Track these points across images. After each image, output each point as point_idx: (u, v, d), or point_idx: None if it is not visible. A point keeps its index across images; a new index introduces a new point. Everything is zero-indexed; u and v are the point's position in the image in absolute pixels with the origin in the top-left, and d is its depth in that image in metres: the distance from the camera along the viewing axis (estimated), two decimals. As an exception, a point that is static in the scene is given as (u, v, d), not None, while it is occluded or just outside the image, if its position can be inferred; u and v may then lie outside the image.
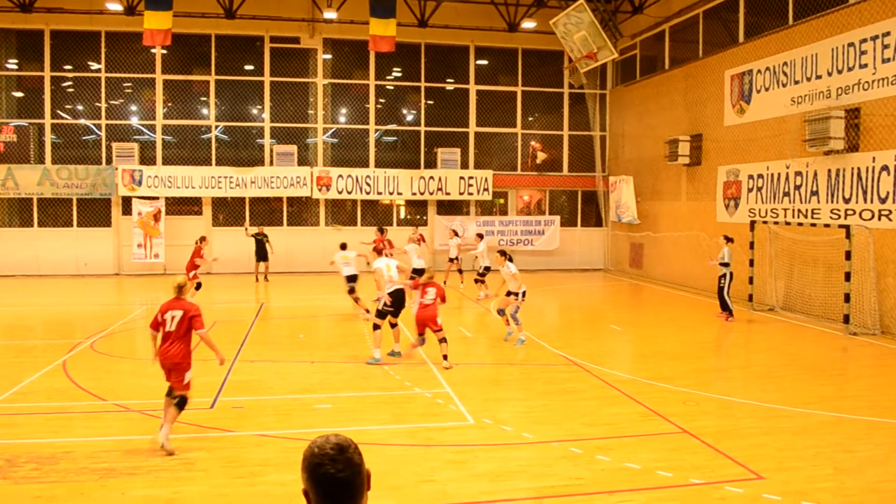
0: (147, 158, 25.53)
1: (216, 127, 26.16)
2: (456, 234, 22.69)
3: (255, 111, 26.83)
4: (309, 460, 2.17)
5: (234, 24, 24.90)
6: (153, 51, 25.14)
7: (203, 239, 17.98)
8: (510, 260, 13.90)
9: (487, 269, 19.98)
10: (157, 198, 25.01)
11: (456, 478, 6.94)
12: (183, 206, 25.97)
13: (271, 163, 26.03)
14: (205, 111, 26.37)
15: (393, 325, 12.41)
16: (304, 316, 17.27)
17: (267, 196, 26.01)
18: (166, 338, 7.89)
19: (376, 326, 12.10)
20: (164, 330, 7.89)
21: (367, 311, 15.69)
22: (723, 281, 16.39)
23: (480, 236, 20.94)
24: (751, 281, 18.07)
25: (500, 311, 14.05)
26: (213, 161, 25.91)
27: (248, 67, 26.44)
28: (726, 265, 16.31)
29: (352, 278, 16.54)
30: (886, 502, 6.36)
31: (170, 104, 26.00)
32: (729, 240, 16.55)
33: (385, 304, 12.15)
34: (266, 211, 26.39)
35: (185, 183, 25.28)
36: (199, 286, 17.14)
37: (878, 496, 6.47)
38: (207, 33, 25.52)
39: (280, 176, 25.76)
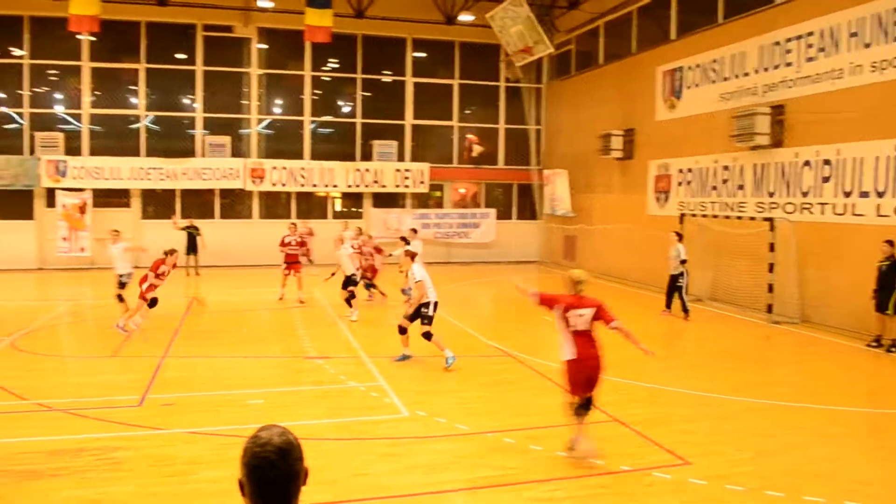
0: (73, 149, 24.66)
1: (146, 117, 25.47)
2: (348, 227, 20.60)
3: (186, 101, 26.20)
4: (249, 458, 2.15)
5: (166, 11, 24.25)
6: (80, 37, 24.29)
7: (171, 253, 14.25)
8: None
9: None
10: (82, 189, 24.22)
11: (391, 471, 6.94)
12: (110, 198, 25.15)
13: (203, 154, 25.48)
14: (134, 100, 25.64)
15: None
16: (237, 310, 16.98)
17: (198, 188, 25.44)
18: (584, 341, 7.09)
19: (404, 330, 11.44)
20: (575, 331, 7.09)
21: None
22: (681, 280, 15.77)
23: (415, 231, 19.35)
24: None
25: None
26: (143, 152, 25.21)
27: (180, 56, 25.79)
28: (685, 262, 15.84)
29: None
30: (804, 484, 6.61)
31: (97, 93, 25.19)
32: (679, 236, 16.20)
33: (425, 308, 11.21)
34: (198, 203, 25.79)
35: (113, 174, 24.53)
36: (153, 303, 13.89)
37: (797, 479, 6.72)
38: (137, 20, 24.78)
39: (212, 167, 25.24)
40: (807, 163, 15.38)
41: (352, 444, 7.68)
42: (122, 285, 14.24)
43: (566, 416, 7.26)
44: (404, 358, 11.47)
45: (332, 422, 8.46)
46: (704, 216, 18.27)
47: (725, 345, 13.51)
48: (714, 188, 18.39)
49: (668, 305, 16.25)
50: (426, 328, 11.19)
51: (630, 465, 7.08)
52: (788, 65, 15.87)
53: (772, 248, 15.40)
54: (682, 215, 18.71)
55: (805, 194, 15.43)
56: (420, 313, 11.25)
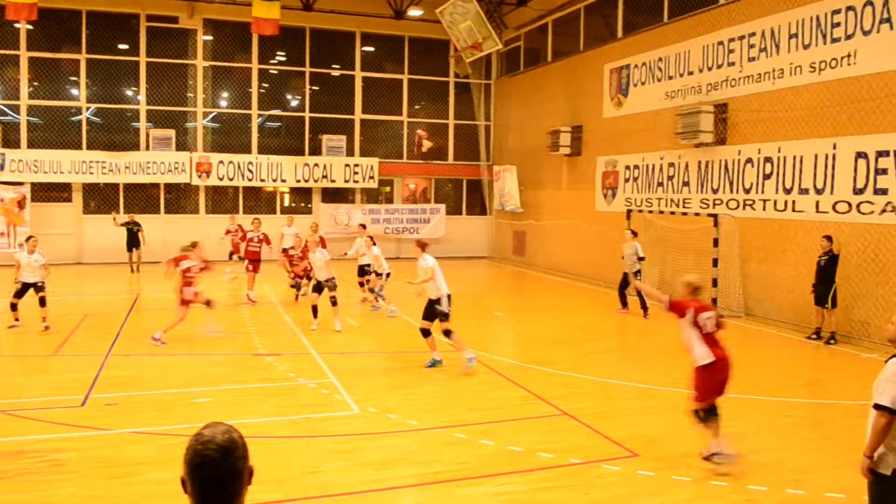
0: (10, 141, 23.85)
1: (87, 109, 24.78)
2: (292, 222, 20.24)
3: (129, 93, 25.58)
4: (191, 456, 2.09)
5: (108, 0, 23.61)
6: (17, 25, 23.50)
7: (194, 245, 13.41)
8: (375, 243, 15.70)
9: (369, 266, 16.76)
10: (21, 183, 23.45)
11: (341, 468, 6.90)
12: (51, 192, 24.44)
13: (147, 147, 24.91)
14: (75, 92, 24.93)
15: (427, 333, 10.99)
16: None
17: (143, 182, 24.86)
18: (715, 344, 7.11)
19: (427, 332, 10.93)
20: (706, 334, 7.06)
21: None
22: (639, 276, 15.69)
23: (364, 227, 18.22)
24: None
25: (372, 290, 15.45)
26: (84, 145, 24.54)
27: (123, 47, 25.15)
28: (643, 259, 15.90)
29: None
30: (749, 473, 6.78)
31: (36, 83, 24.41)
32: (634, 234, 16.28)
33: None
34: (142, 198, 25.22)
35: (53, 168, 23.79)
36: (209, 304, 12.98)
37: (742, 468, 6.88)
38: (78, 9, 24.06)
39: (157, 161, 24.68)
40: (749, 160, 15.75)
41: (302, 442, 7.61)
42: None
43: (695, 425, 7.08)
44: (434, 364, 10.82)
45: (281, 419, 8.37)
46: (651, 212, 18.57)
47: (671, 339, 13.70)
48: (660, 184, 18.71)
49: (624, 304, 16.32)
50: (445, 325, 10.69)
51: (580, 457, 7.17)
52: (731, 64, 16.22)
53: (715, 243, 15.74)
54: (629, 211, 18.98)
55: (748, 191, 15.80)
56: (435, 312, 10.72)
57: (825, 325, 13.10)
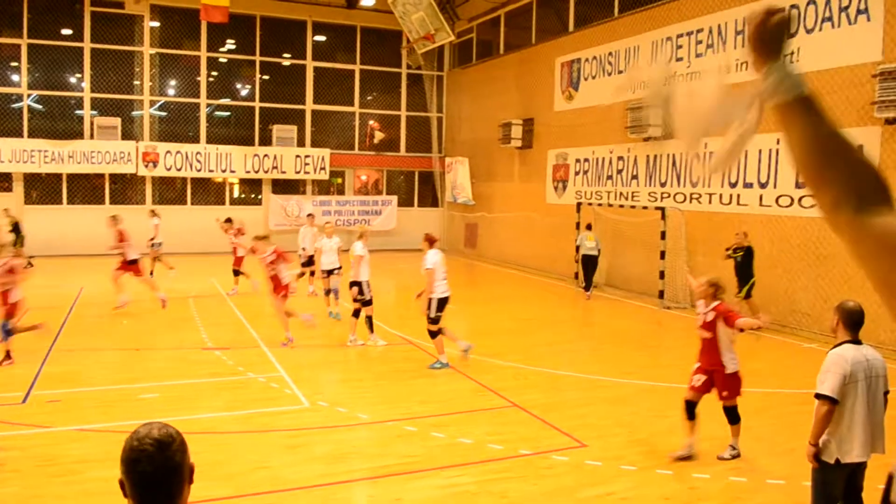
0: (-55, 128, 23.10)
1: (29, 95, 24.04)
2: (155, 214, 19.26)
3: (73, 80, 24.89)
4: (127, 453, 2.04)
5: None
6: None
7: (263, 238, 12.59)
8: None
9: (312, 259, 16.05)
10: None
11: (291, 462, 6.86)
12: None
13: (92, 136, 24.27)
14: (15, 77, 24.15)
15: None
16: (127, 301, 16.31)
17: (87, 172, 24.23)
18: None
19: (434, 333, 10.57)
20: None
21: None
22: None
23: (311, 216, 17.92)
24: (577, 260, 19.00)
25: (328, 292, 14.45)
26: (26, 133, 23.81)
27: (66, 32, 24.44)
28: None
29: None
30: (693, 462, 6.93)
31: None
32: (589, 227, 17.51)
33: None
34: (86, 188, 24.59)
35: (-8, 156, 23.08)
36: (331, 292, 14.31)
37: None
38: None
39: (102, 150, 24.05)
40: (696, 155, 16.00)
41: (252, 437, 7.54)
42: None
43: (734, 425, 7.11)
44: (441, 366, 10.43)
45: (231, 414, 8.28)
46: (600, 205, 18.80)
47: (619, 329, 13.98)
48: (609, 178, 18.94)
49: (589, 288, 17.32)
50: (431, 327, 10.43)
51: (530, 448, 7.25)
52: (679, 60, 16.48)
53: (663, 235, 16.01)
54: (579, 204, 19.18)
55: (694, 185, 16.10)
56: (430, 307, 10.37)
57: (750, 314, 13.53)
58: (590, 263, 17.32)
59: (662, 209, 16.18)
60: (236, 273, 17.03)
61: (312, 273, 16.33)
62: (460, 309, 16.17)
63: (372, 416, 8.23)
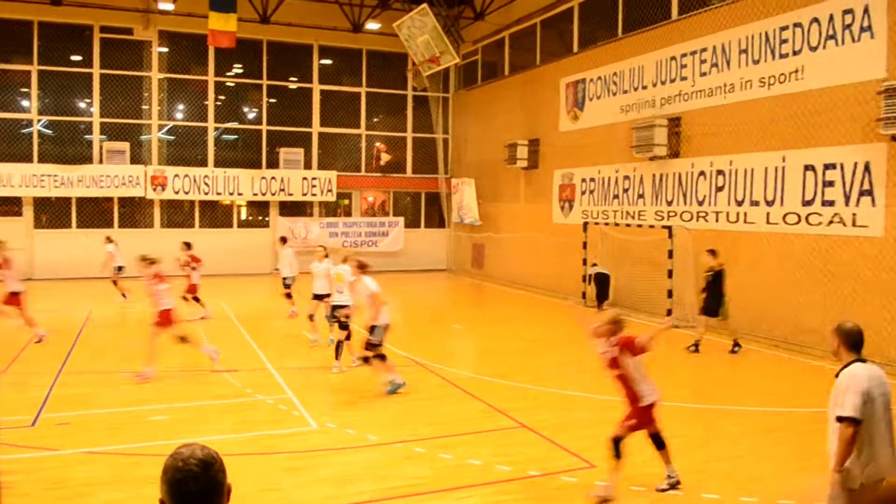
0: (-44, 154, 23.33)
1: (39, 121, 24.27)
2: (110, 240, 19.38)
3: (83, 105, 25.14)
4: (171, 474, 2.11)
5: (60, 10, 23.20)
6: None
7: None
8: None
9: (293, 279, 16.58)
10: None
11: (300, 484, 6.84)
12: (0, 206, 23.86)
13: (101, 160, 24.48)
14: (26, 103, 24.40)
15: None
16: (137, 323, 16.35)
17: (96, 196, 24.40)
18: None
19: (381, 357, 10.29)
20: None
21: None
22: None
23: (284, 240, 17.64)
24: (584, 279, 18.98)
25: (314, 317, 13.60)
26: (36, 158, 24.02)
27: (76, 58, 24.73)
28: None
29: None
30: (704, 481, 6.89)
31: (-17, 95, 23.90)
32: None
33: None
34: (95, 212, 24.75)
35: (3, 181, 23.24)
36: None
37: (697, 476, 7.00)
38: (29, 19, 23.60)
39: (111, 175, 24.26)
40: (702, 173, 16.06)
41: (260, 459, 7.53)
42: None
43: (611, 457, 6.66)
44: (395, 389, 10.09)
45: (239, 436, 8.27)
46: (607, 224, 18.80)
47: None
48: (616, 197, 18.96)
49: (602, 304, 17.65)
50: (366, 353, 10.11)
51: (538, 469, 7.21)
52: (684, 79, 16.55)
53: (670, 254, 15.99)
54: (586, 223, 19.19)
55: (701, 203, 16.10)
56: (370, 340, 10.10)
57: (729, 334, 13.42)
58: (604, 281, 17.73)
59: (669, 228, 16.17)
60: (196, 300, 16.41)
61: (289, 296, 16.48)
62: (468, 329, 16.19)
63: (380, 437, 8.21)
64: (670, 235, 16.04)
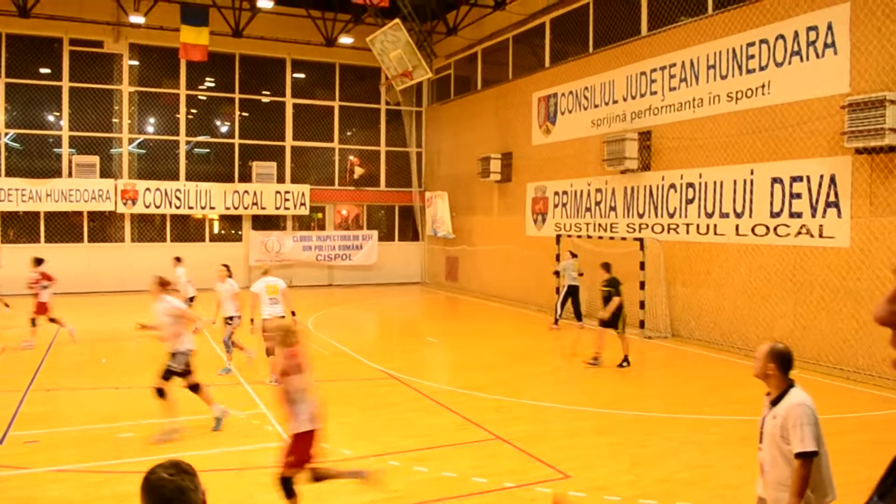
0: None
1: (6, 134, 23.96)
2: (179, 261, 17.35)
3: (51, 118, 24.86)
4: (145, 482, 2.35)
5: (28, 23, 22.95)
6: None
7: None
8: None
9: (191, 299, 16.43)
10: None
11: (274, 500, 6.77)
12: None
13: (70, 174, 24.19)
14: (-8, 117, 24.11)
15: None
16: (106, 339, 16.16)
17: (65, 210, 24.09)
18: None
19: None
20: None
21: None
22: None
23: (179, 259, 17.23)
24: (557, 291, 19.06)
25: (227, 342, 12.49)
26: (3, 171, 23.69)
27: (45, 71, 24.48)
28: (581, 275, 17.63)
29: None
30: (677, 490, 6.95)
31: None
32: (573, 255, 17.74)
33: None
34: (64, 226, 24.43)
35: (-32, 195, 22.91)
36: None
37: (670, 486, 7.06)
38: (-6, 32, 23.37)
39: (80, 189, 23.98)
40: (672, 186, 16.27)
41: (233, 475, 7.46)
42: None
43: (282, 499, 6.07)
44: (219, 424, 9.08)
45: (211, 452, 8.19)
46: (579, 237, 18.94)
47: (601, 360, 13.99)
48: (588, 210, 19.13)
49: (578, 317, 17.68)
50: (162, 384, 8.89)
51: (513, 481, 7.22)
52: (654, 93, 16.78)
53: (642, 266, 16.15)
54: (559, 236, 19.33)
55: (672, 215, 16.30)
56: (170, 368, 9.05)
57: (623, 349, 13.07)
58: (576, 293, 17.63)
59: (641, 240, 16.34)
60: (52, 321, 14.93)
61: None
62: (442, 342, 16.20)
63: (355, 450, 8.18)
64: (642, 248, 16.20)
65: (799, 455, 4.24)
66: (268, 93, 27.43)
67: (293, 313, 11.90)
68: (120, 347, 15.12)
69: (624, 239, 17.20)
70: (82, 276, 23.65)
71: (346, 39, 26.15)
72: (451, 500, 6.77)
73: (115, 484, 7.18)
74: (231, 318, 12.52)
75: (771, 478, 4.42)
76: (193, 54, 22.85)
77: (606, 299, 13.09)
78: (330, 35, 25.99)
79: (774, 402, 4.47)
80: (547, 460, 7.82)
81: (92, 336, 16.26)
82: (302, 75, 27.77)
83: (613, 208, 18.17)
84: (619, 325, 13.03)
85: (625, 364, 12.96)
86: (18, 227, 24.20)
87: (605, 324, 13.10)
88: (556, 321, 17.57)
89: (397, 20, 22.56)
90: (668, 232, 16.36)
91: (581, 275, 17.50)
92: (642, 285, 16.18)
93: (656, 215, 16.75)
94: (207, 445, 8.42)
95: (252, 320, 11.86)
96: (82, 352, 14.52)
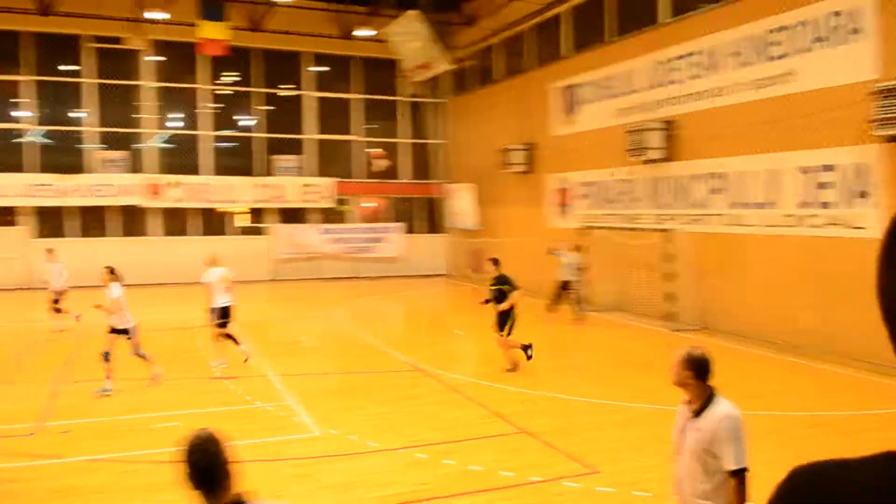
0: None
1: (34, 131, 24.27)
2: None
3: (77, 115, 25.13)
4: (182, 452, 2.79)
5: (50, 21, 23.17)
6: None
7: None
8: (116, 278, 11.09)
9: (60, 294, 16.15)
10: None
11: (303, 492, 6.86)
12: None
13: (97, 170, 24.49)
14: (18, 114, 24.42)
15: None
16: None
17: (93, 205, 24.39)
18: None
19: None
20: None
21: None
22: (574, 286, 17.21)
23: (51, 251, 16.96)
24: (583, 283, 18.95)
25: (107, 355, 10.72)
26: (32, 168, 24.04)
27: (69, 68, 24.75)
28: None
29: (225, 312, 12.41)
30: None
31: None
32: (578, 248, 17.52)
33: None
34: (92, 220, 24.73)
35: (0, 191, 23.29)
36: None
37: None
38: (18, 30, 23.60)
39: (107, 184, 24.27)
40: (698, 176, 16.11)
41: (262, 467, 7.53)
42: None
43: None
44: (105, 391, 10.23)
45: (240, 444, 8.23)
46: (603, 228, 18.80)
47: (628, 353, 13.95)
48: (613, 201, 19.00)
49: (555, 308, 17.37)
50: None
51: (540, 475, 7.23)
52: (676, 82, 16.60)
53: (670, 258, 16.01)
54: (582, 227, 19.22)
55: (697, 206, 16.14)
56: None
57: (507, 359, 12.11)
58: (569, 287, 17.23)
59: (667, 231, 16.20)
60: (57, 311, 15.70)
61: (59, 311, 15.94)
62: (468, 334, 16.21)
63: (382, 443, 8.22)
64: (668, 239, 16.06)
65: (736, 473, 3.93)
66: (289, 86, 27.54)
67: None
68: (150, 339, 15.25)
69: (649, 230, 17.05)
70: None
71: (365, 32, 26.13)
72: (478, 495, 6.79)
73: (147, 474, 7.29)
74: (123, 330, 10.96)
75: (688, 492, 4.10)
76: (213, 49, 22.98)
77: (498, 299, 11.95)
78: (349, 28, 25.99)
79: (697, 413, 4.14)
80: (573, 454, 7.82)
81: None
82: (323, 68, 27.84)
83: (638, 199, 18.03)
84: (506, 329, 11.88)
85: (513, 369, 11.84)
86: (46, 221, 24.49)
87: (498, 325, 11.94)
88: (579, 315, 17.26)
89: (415, 11, 22.48)
90: (694, 223, 16.20)
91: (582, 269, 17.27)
92: (670, 277, 16.04)
93: (681, 206, 16.60)
94: (236, 436, 8.43)
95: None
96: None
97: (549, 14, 21.78)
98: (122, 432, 8.69)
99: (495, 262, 12.30)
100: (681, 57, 16.42)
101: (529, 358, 11.98)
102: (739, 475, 3.92)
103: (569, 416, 9.59)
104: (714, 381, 4.21)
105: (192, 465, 2.77)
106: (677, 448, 4.22)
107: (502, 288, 11.94)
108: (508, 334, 11.89)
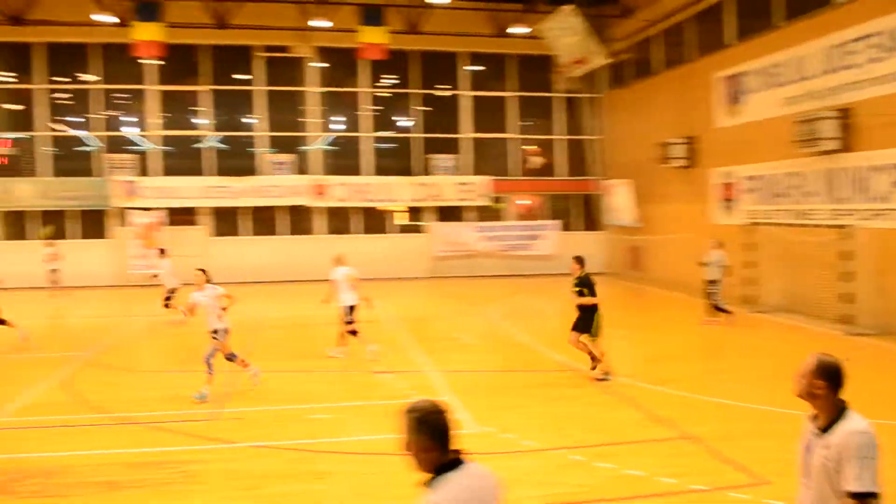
0: (142, 169, 25.63)
1: (211, 137, 26.24)
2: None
3: (249, 120, 26.87)
4: (411, 416, 3.13)
5: (225, 34, 24.83)
6: (144, 62, 25.16)
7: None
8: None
9: (172, 291, 17.02)
10: (153, 208, 24.98)
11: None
12: (177, 216, 25.90)
13: (266, 172, 26.09)
14: (198, 121, 26.49)
15: None
16: (298, 325, 17.20)
17: (263, 205, 26.03)
18: None
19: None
20: None
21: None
22: (715, 286, 16.01)
23: (163, 251, 17.94)
24: (749, 283, 18.05)
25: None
26: (209, 171, 26.01)
27: (241, 77, 26.49)
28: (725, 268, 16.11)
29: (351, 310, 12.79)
30: (891, 501, 6.37)
31: (165, 115, 26.13)
32: (720, 244, 16.37)
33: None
34: (262, 220, 26.39)
35: (182, 193, 25.33)
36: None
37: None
38: (198, 43, 25.56)
39: (276, 185, 25.81)
40: (878, 167, 14.87)
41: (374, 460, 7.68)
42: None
43: None
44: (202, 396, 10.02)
45: (347, 440, 8.53)
46: (774, 224, 17.76)
47: (795, 357, 13.07)
48: (782, 195, 17.91)
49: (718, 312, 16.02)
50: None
51: (704, 483, 6.92)
52: (853, 67, 15.35)
53: (847, 256, 14.89)
54: (751, 223, 18.26)
55: (880, 200, 14.88)
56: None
57: (596, 358, 11.46)
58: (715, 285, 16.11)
59: (845, 227, 15.06)
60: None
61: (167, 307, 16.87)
62: (625, 334, 15.84)
63: (538, 443, 8.18)
64: (847, 236, 14.92)
65: (855, 496, 3.43)
66: (446, 86, 28.01)
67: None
68: (309, 333, 16.03)
69: (825, 226, 15.90)
70: (281, 267, 25.38)
71: (519, 29, 26.07)
72: (639, 500, 6.61)
73: (312, 462, 7.65)
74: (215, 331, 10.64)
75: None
76: (373, 53, 23.80)
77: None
78: (503, 26, 26.05)
79: (825, 429, 3.69)
80: (740, 462, 7.43)
81: (288, 322, 17.39)
82: (478, 67, 28.13)
83: (811, 193, 16.86)
84: (593, 330, 11.36)
85: (606, 377, 11.14)
86: (221, 221, 26.32)
87: (576, 327, 11.42)
88: (718, 314, 16.24)
89: (570, 6, 22.18)
90: (876, 218, 14.94)
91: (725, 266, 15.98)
92: (848, 277, 14.91)
93: (861, 200, 15.35)
94: (393, 430, 8.73)
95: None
96: (277, 336, 15.57)
97: (712, 1, 20.84)
98: (285, 421, 9.19)
99: (580, 260, 11.72)
100: (858, 39, 15.18)
101: (593, 369, 11.33)
102: (859, 499, 3.43)
103: (732, 422, 9.13)
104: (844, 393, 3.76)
105: (431, 424, 3.08)
106: (804, 470, 3.77)
107: (584, 290, 11.44)
108: (595, 336, 11.31)
